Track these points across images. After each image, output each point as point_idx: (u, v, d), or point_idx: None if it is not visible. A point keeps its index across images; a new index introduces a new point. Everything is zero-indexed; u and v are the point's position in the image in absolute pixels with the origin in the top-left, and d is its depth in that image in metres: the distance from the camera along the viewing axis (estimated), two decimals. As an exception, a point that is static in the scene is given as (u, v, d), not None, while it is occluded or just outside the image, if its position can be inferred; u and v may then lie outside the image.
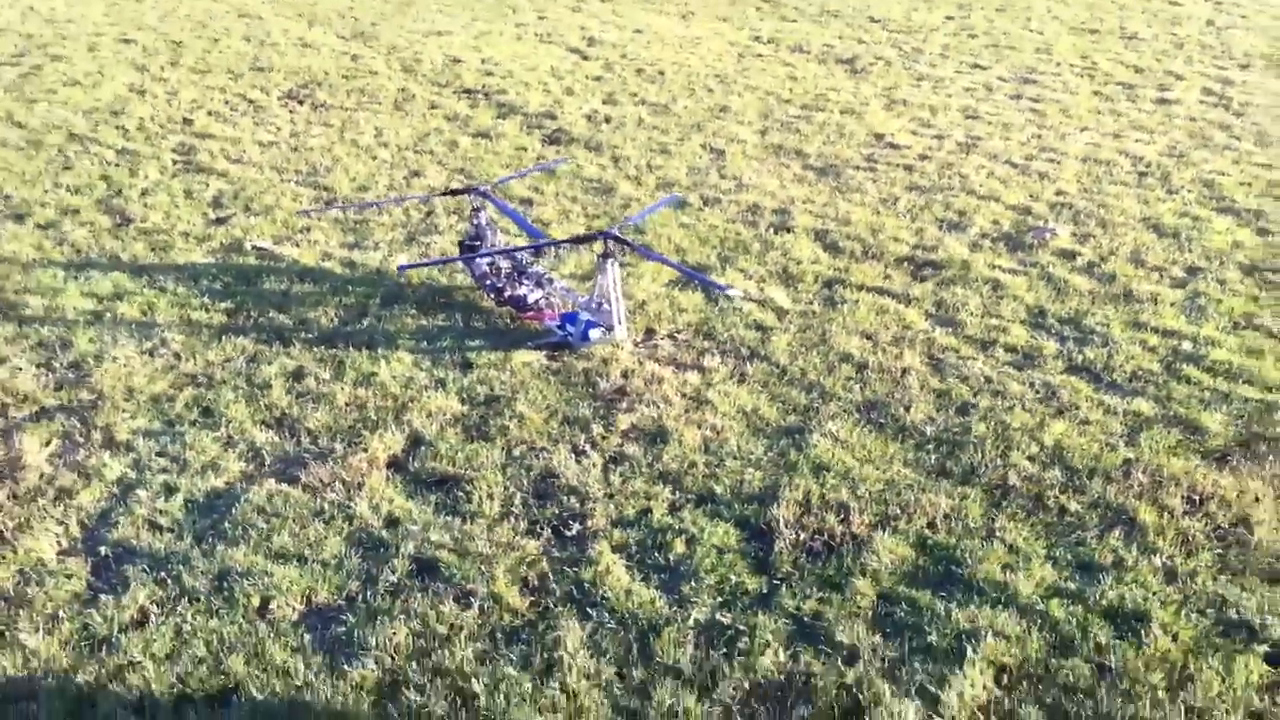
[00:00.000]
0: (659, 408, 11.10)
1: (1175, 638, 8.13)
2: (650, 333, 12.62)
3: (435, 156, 18.44)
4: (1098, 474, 10.00)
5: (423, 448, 10.56)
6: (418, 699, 7.74)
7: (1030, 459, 10.25)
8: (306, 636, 8.36)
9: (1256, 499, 9.61)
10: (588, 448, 10.54)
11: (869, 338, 12.48)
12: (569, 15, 28.89)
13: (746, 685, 7.86)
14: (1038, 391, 11.35)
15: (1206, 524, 9.34)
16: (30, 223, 15.73)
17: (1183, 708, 7.54)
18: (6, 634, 8.37)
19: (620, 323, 12.18)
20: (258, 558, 9.10)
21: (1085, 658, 7.98)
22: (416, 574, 8.97)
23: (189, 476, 10.18)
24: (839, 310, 13.08)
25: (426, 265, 14.02)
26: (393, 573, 8.93)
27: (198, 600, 8.69)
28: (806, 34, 26.86)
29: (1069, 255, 14.53)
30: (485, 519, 9.56)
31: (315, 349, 12.23)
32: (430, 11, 29.06)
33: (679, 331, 12.64)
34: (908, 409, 11.07)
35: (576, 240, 12.74)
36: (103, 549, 9.31)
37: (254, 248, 14.85)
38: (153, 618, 8.53)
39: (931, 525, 9.40)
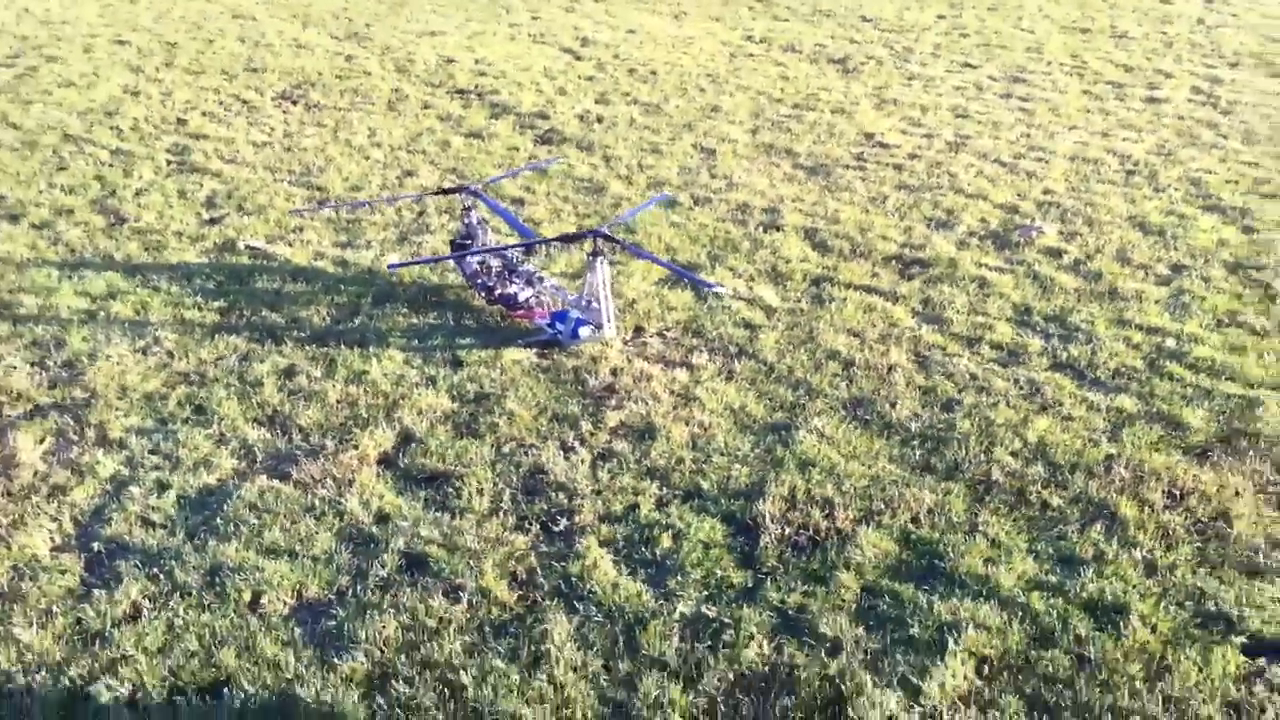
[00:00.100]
0: (647, 405, 11.20)
1: (1154, 629, 8.24)
2: (639, 331, 12.73)
3: (428, 156, 18.54)
4: (1080, 469, 10.12)
5: (413, 445, 10.66)
6: (406, 691, 7.85)
7: (1013, 455, 10.37)
8: (297, 630, 8.46)
9: (1236, 494, 9.73)
10: (576, 444, 10.64)
11: (856, 335, 12.59)
12: (562, 16, 29.00)
13: (731, 676, 7.97)
14: (1022, 388, 11.47)
15: (1187, 518, 9.46)
16: (25, 223, 15.82)
17: (1160, 698, 7.66)
18: (1, 628, 8.45)
19: (609, 321, 12.28)
20: (249, 553, 9.20)
21: (1065, 649, 8.10)
22: (406, 569, 9.07)
23: (181, 473, 10.28)
24: (827, 308, 13.20)
25: (416, 264, 14.12)
26: (382, 568, 9.04)
27: (190, 595, 8.78)
28: (799, 34, 26.97)
29: (1055, 253, 14.65)
30: (474, 515, 9.67)
31: (307, 347, 12.33)
32: (424, 12, 29.17)
33: (668, 329, 12.75)
34: (893, 406, 11.19)
35: (566, 239, 12.85)
36: (96, 545, 9.40)
37: (247, 247, 14.94)
38: (145, 612, 8.63)
39: (915, 520, 9.52)
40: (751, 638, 8.26)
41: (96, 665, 8.13)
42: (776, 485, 9.92)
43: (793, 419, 11.01)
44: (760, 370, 11.89)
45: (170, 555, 9.22)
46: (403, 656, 8.18)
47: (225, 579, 8.91)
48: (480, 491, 9.96)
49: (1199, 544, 9.17)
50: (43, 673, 8.06)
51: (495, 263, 13.24)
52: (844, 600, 8.63)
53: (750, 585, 8.84)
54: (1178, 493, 9.78)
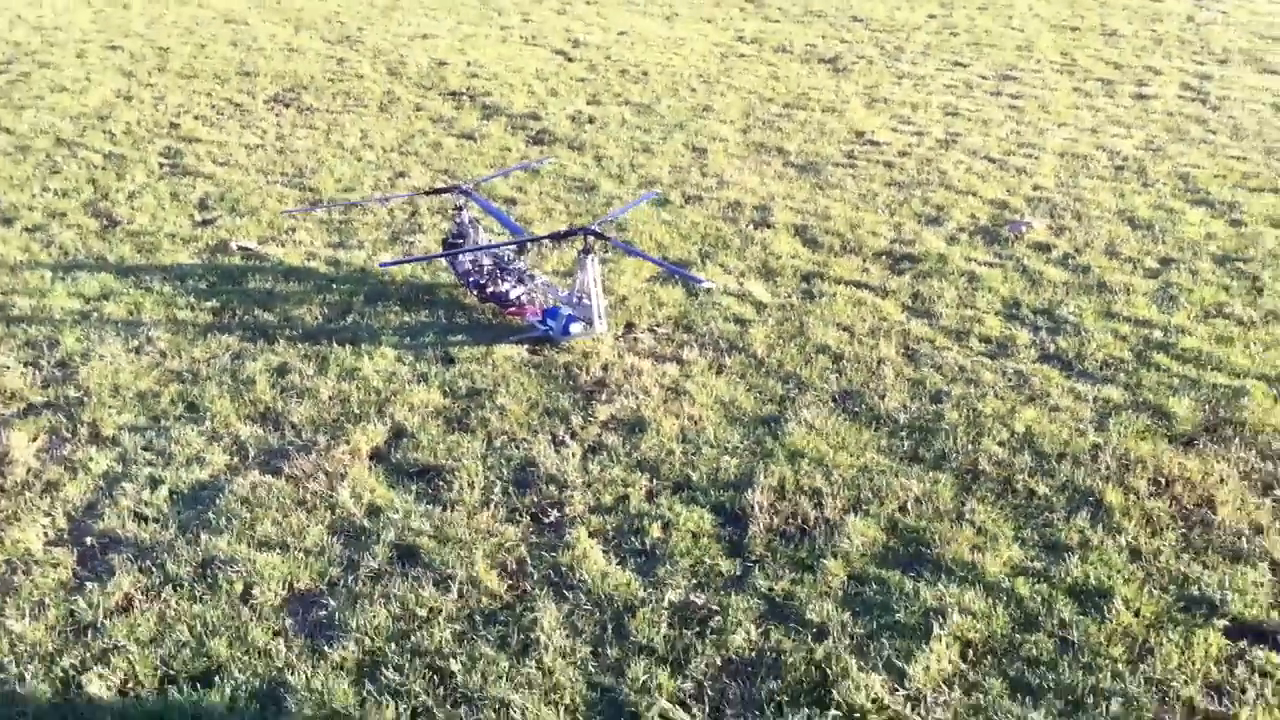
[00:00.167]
0: (638, 399, 11.28)
1: (1137, 613, 8.32)
2: (630, 327, 12.80)
3: (420, 158, 18.63)
4: (1066, 458, 10.20)
5: (405, 439, 10.74)
6: (396, 678, 7.92)
7: (1001, 444, 10.45)
8: (288, 620, 8.53)
9: (1221, 480, 9.81)
10: (567, 438, 10.72)
11: (846, 330, 12.67)
12: (554, 18, 29.11)
13: (719, 661, 8.05)
14: (1010, 380, 11.55)
15: (1172, 505, 9.54)
16: (18, 226, 15.89)
17: (1142, 679, 7.74)
18: (-6, 621, 8.54)
19: (600, 317, 12.35)
20: (241, 546, 9.27)
21: (1049, 632, 8.18)
22: (397, 560, 9.14)
23: (174, 469, 10.34)
24: (817, 303, 13.28)
25: (408, 262, 14.20)
26: (373, 559, 9.11)
27: (181, 587, 8.85)
28: (790, 34, 27.08)
29: (1044, 248, 14.74)
30: (465, 507, 9.74)
31: (299, 345, 12.40)
32: (416, 15, 29.27)
33: (659, 325, 12.83)
34: (882, 398, 11.27)
35: (557, 236, 12.93)
36: (89, 539, 9.47)
37: (239, 248, 15.02)
38: (137, 603, 8.70)
39: (903, 509, 9.59)
40: (739, 624, 8.34)
41: (89, 655, 8.20)
42: (766, 476, 10.00)
43: (782, 411, 11.08)
44: (750, 364, 11.97)
45: (163, 549, 9.29)
46: (393, 645, 8.25)
47: (217, 571, 8.98)
48: (471, 484, 10.03)
49: (1183, 530, 9.25)
50: (35, 663, 8.13)
51: (487, 261, 13.32)
52: (831, 587, 8.71)
53: (739, 573, 8.91)
54: (1163, 480, 9.85)
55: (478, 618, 8.52)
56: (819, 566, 8.91)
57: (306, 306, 13.30)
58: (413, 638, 8.32)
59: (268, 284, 13.97)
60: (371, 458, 10.53)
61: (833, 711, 7.58)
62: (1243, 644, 8.06)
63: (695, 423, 10.90)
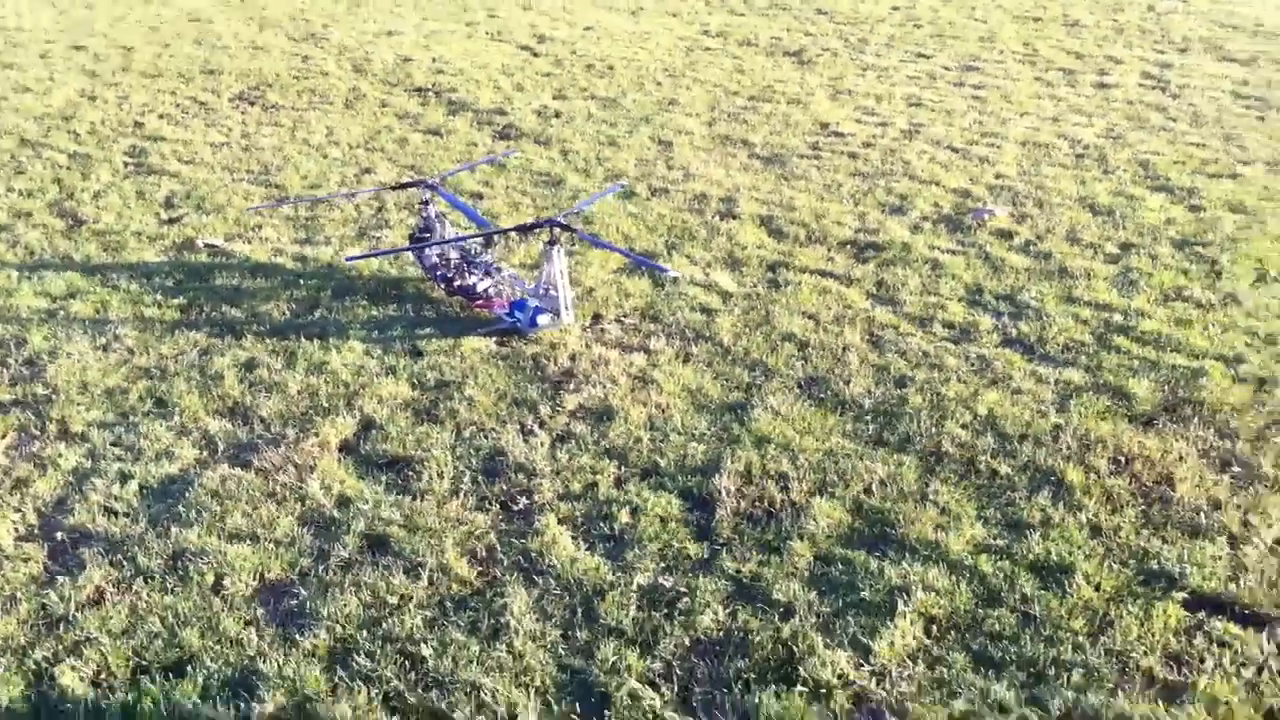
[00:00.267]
0: (605, 388, 11.37)
1: (1098, 587, 8.47)
2: (598, 318, 12.89)
3: (386, 154, 18.66)
4: (1028, 439, 10.35)
5: (374, 431, 10.80)
6: (368, 664, 7.99)
7: (964, 427, 10.59)
8: (259, 610, 8.59)
9: (1180, 458, 9.98)
10: (536, 427, 10.80)
11: (811, 318, 12.79)
12: (519, 13, 29.15)
13: (687, 642, 8.15)
14: (973, 364, 11.69)
15: (1131, 483, 9.70)
16: (-17, 226, 15.85)
17: (1103, 651, 7.90)
18: (-35, 617, 8.56)
19: (568, 308, 12.44)
20: (211, 538, 9.31)
21: (1011, 607, 8.33)
22: (367, 549, 9.21)
23: (143, 464, 10.37)
24: (783, 292, 13.40)
25: (374, 256, 14.25)
26: (344, 549, 9.17)
27: (153, 579, 8.89)
28: (755, 27, 27.20)
29: (1006, 235, 14.90)
30: (435, 496, 9.81)
31: (267, 341, 12.43)
32: (381, 12, 29.25)
33: (626, 316, 12.92)
34: (847, 383, 11.39)
35: (523, 228, 13.00)
36: (59, 534, 9.50)
37: (206, 245, 15.02)
38: (109, 596, 8.74)
39: (868, 490, 9.72)
40: (707, 605, 8.44)
41: (61, 648, 8.24)
42: (732, 461, 10.10)
43: (749, 398, 11.19)
44: (717, 352, 12.07)
45: (133, 542, 9.33)
46: (364, 632, 8.32)
47: (188, 563, 9.03)
48: (440, 474, 10.10)
49: (1143, 507, 9.41)
50: (7, 655, 8.17)
51: (454, 255, 13.38)
52: (797, 568, 8.82)
53: (706, 556, 9.02)
54: (1123, 459, 10.01)
55: (448, 604, 8.60)
56: (785, 548, 9.03)
57: (274, 302, 13.33)
58: (384, 625, 8.39)
59: (235, 280, 13.99)
60: (341, 450, 10.58)
61: (799, 688, 7.69)
62: (1201, 615, 8.22)
63: (663, 410, 10.99)
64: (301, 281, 13.88)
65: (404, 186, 14.86)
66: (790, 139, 19.01)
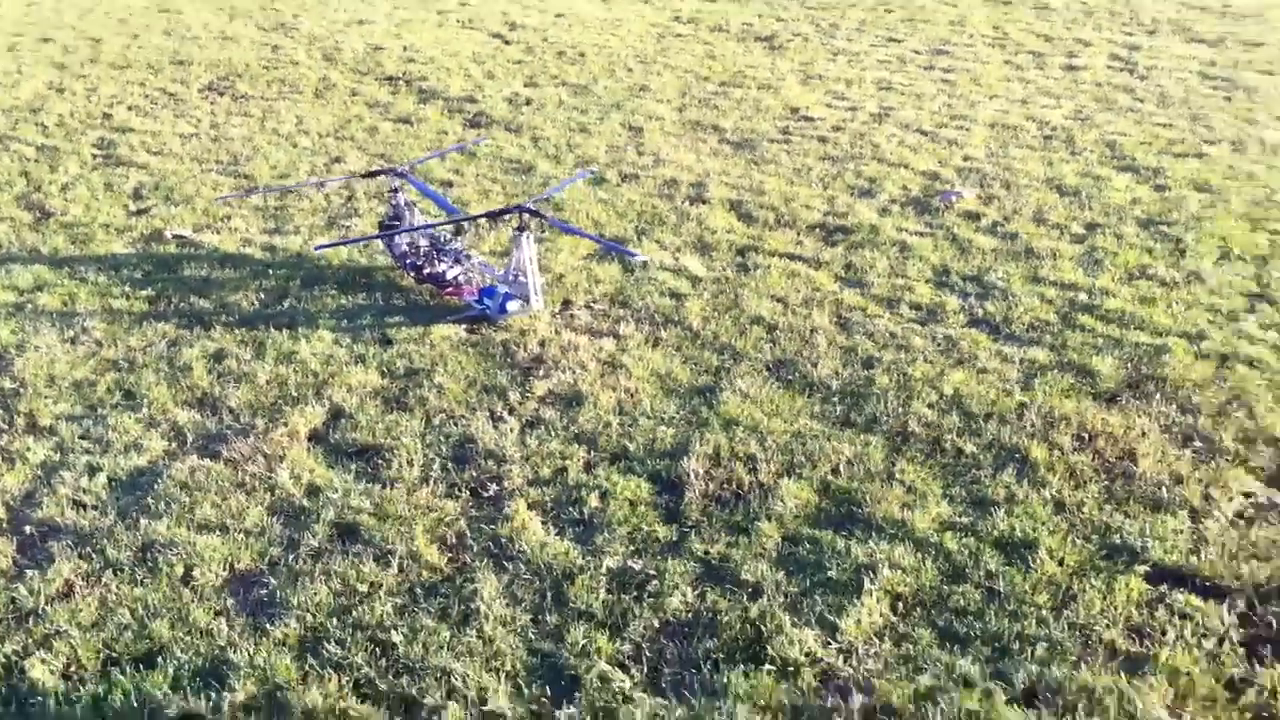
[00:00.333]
0: (575, 373, 11.41)
1: (1061, 562, 8.57)
2: (567, 303, 12.92)
3: (356, 143, 18.62)
4: (993, 417, 10.44)
5: (343, 420, 10.82)
6: (338, 651, 8.02)
7: (930, 406, 10.67)
8: (229, 600, 8.61)
9: (1143, 434, 10.09)
10: (505, 413, 10.83)
11: (780, 301, 12.85)
12: (491, 1, 29.06)
13: (656, 623, 8.21)
14: (939, 344, 11.77)
15: (1095, 459, 9.80)
16: (-50, 220, 15.77)
17: (1066, 624, 7.99)
18: (-67, 611, 8.56)
19: (537, 294, 12.47)
20: (181, 529, 9.32)
21: (976, 583, 8.41)
22: (337, 538, 9.24)
23: (112, 456, 10.37)
24: (752, 276, 13.45)
25: (343, 244, 14.23)
26: (314, 537, 9.19)
27: (122, 571, 8.90)
28: (726, 13, 27.20)
29: (974, 216, 14.99)
30: (405, 484, 9.84)
31: (236, 331, 12.42)
32: (351, 1, 29.12)
33: (595, 301, 12.95)
34: (815, 365, 11.46)
35: (492, 214, 13.01)
36: (28, 528, 9.48)
37: (174, 236, 14.98)
38: (78, 589, 8.74)
39: (835, 471, 9.79)
40: (676, 587, 8.50)
41: (30, 641, 8.25)
42: (701, 444, 10.16)
43: (717, 381, 11.25)
44: (686, 337, 12.13)
45: (102, 534, 9.33)
46: (334, 620, 8.35)
47: (157, 555, 9.04)
48: (410, 462, 10.12)
49: (1106, 482, 9.51)
50: (-24, 649, 8.19)
51: (423, 242, 13.38)
52: (765, 548, 8.89)
53: (675, 539, 9.08)
54: (1087, 435, 10.11)
55: (418, 590, 8.64)
56: (754, 529, 9.09)
57: (243, 292, 13.32)
58: (354, 612, 8.42)
59: (203, 271, 13.97)
60: (310, 439, 10.60)
61: (767, 666, 7.76)
62: (1163, 588, 8.32)
63: (632, 395, 11.04)
64: (270, 271, 13.88)
65: (373, 175, 14.85)
66: (760, 124, 19.06)
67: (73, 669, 8.04)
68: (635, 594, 8.49)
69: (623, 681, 7.75)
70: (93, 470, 10.18)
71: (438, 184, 16.44)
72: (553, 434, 10.47)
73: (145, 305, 13.16)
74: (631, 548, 8.99)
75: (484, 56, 23.84)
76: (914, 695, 7.51)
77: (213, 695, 7.73)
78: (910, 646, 7.89)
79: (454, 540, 9.18)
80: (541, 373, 11.46)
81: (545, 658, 7.99)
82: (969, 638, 7.94)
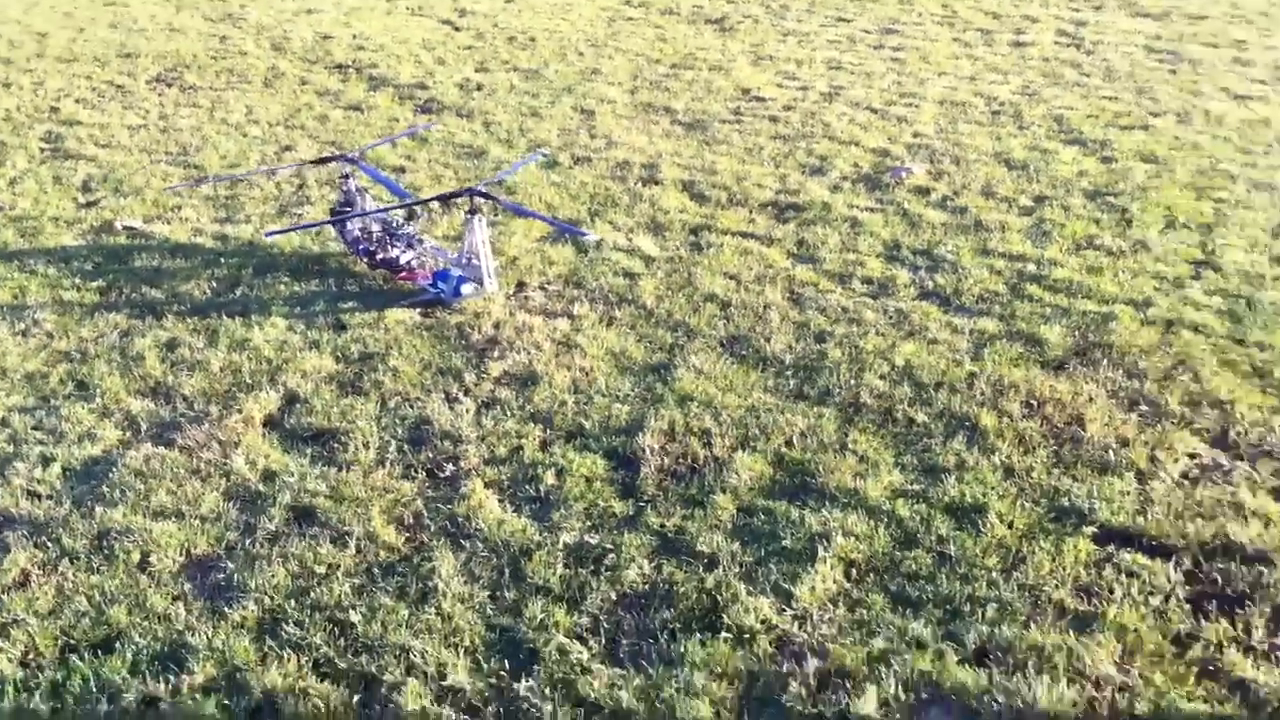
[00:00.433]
0: (530, 354, 11.45)
1: (1011, 525, 8.71)
2: (521, 285, 12.95)
3: (307, 131, 18.55)
4: (944, 387, 10.58)
5: (298, 405, 10.82)
6: (297, 632, 8.06)
7: (881, 378, 10.79)
8: (187, 585, 8.63)
9: (1090, 400, 10.24)
10: (461, 395, 10.86)
11: (733, 278, 12.93)
12: (440, -11, 28.95)
13: (613, 596, 8.29)
14: (890, 317, 11.90)
15: (1043, 425, 9.94)
16: (-105, 216, 15.60)
17: (1016, 585, 8.13)
18: (-113, 604, 8.51)
19: (491, 276, 12.50)
20: (136, 517, 9.31)
21: (928, 548, 8.54)
22: (294, 521, 9.27)
23: (66, 446, 10.34)
24: (705, 254, 13.53)
25: (294, 230, 14.18)
26: (270, 521, 9.21)
27: (78, 559, 8.90)
28: (675, -4, 27.22)
29: (924, 192, 15.12)
30: (361, 466, 9.86)
31: (188, 320, 12.39)
32: (300, -8, 28.94)
33: (549, 283, 12.99)
34: (768, 340, 11.55)
35: (443, 198, 13.02)
36: (-19, 520, 9.46)
37: (124, 228, 14.90)
38: (35, 578, 8.73)
39: (789, 443, 9.89)
40: (633, 560, 8.59)
41: (-13, 630, 8.26)
42: (656, 420, 10.24)
43: (672, 359, 11.32)
44: (640, 315, 12.19)
45: (57, 524, 9.31)
46: (293, 601, 8.38)
47: (113, 542, 9.03)
48: (366, 445, 10.15)
49: (1054, 447, 9.66)
50: (-69, 640, 8.16)
51: (376, 228, 13.36)
52: (721, 520, 8.98)
53: (631, 513, 9.16)
54: (1035, 402, 10.26)
55: (376, 570, 8.67)
56: (709, 502, 9.18)
57: (194, 281, 13.27)
58: (312, 593, 8.45)
59: (155, 261, 13.90)
60: (265, 425, 10.60)
61: (724, 635, 7.85)
62: (1110, 548, 8.48)
63: (587, 374, 11.10)
64: (222, 260, 13.83)
65: (324, 161, 14.82)
66: (712, 105, 19.12)
67: (31, 656, 8.05)
68: (592, 568, 8.56)
69: (581, 653, 7.83)
70: (46, 461, 10.14)
71: (390, 170, 16.41)
72: (508, 414, 10.51)
73: (96, 296, 13.08)
74: (588, 523, 9.05)
75: (434, 43, 23.77)
76: (868, 658, 7.63)
77: (171, 678, 7.76)
78: (864, 611, 8.01)
79: (411, 520, 9.22)
80: (496, 354, 11.49)
81: (504, 632, 8.05)
82: (921, 601, 8.07)
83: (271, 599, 8.41)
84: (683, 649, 7.76)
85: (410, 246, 13.07)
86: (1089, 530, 8.64)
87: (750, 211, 14.76)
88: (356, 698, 7.59)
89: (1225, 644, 7.65)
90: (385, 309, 12.43)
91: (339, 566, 8.71)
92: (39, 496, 9.68)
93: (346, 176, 13.80)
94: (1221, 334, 11.31)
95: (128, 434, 10.54)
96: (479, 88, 20.56)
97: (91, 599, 8.48)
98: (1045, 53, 21.38)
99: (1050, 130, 17.19)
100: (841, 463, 9.53)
